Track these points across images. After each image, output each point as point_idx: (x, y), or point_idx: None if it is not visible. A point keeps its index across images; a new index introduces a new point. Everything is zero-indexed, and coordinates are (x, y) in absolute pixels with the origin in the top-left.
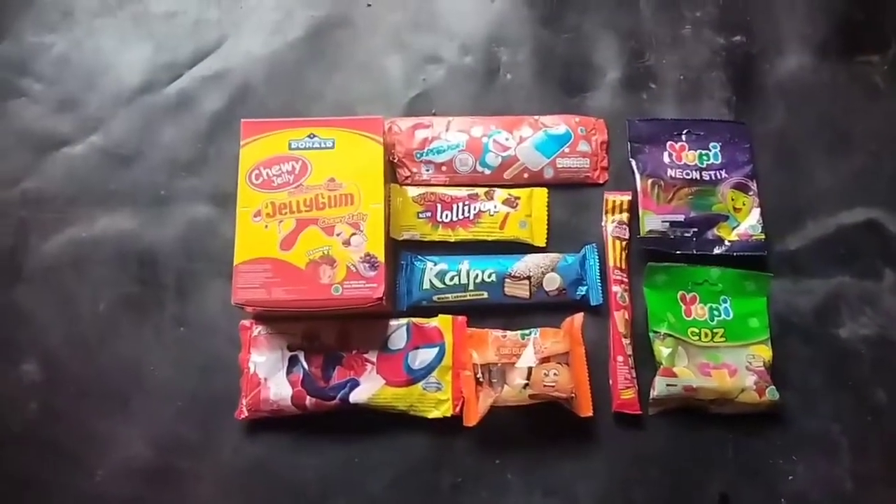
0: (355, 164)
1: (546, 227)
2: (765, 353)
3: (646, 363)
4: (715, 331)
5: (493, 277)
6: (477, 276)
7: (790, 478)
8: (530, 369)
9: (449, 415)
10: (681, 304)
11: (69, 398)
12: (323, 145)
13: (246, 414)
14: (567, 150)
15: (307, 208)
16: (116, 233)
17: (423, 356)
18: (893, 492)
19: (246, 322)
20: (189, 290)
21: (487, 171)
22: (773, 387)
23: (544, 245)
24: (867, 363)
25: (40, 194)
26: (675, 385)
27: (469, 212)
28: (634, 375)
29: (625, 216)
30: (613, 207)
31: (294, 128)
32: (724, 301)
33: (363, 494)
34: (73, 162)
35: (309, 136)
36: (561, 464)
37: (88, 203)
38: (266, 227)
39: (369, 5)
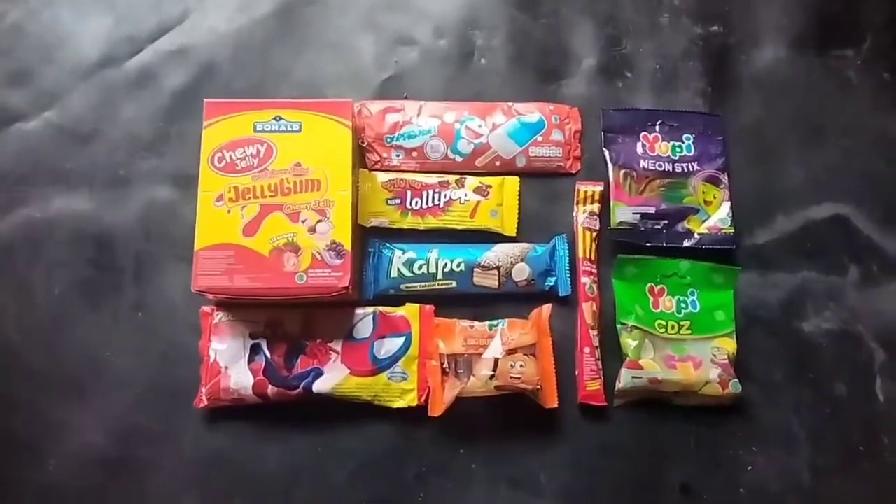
0: (322, 149)
1: (517, 216)
2: (729, 346)
3: (612, 355)
4: (681, 323)
5: (462, 267)
6: (446, 265)
7: (749, 468)
8: (497, 360)
9: (414, 405)
10: (649, 296)
11: (22, 385)
12: (289, 128)
13: (205, 403)
14: (540, 138)
15: (272, 193)
16: (72, 214)
17: (389, 345)
18: (848, 483)
19: (207, 308)
20: (148, 274)
21: (459, 158)
22: (737, 380)
23: (514, 235)
24: (828, 357)
25: None
26: (641, 377)
27: (439, 199)
28: (601, 367)
29: (596, 207)
30: (585, 198)
31: (259, 109)
32: (692, 294)
33: (327, 484)
34: (27, 138)
35: (275, 119)
36: (526, 454)
37: (43, 182)
38: (229, 212)
39: None
